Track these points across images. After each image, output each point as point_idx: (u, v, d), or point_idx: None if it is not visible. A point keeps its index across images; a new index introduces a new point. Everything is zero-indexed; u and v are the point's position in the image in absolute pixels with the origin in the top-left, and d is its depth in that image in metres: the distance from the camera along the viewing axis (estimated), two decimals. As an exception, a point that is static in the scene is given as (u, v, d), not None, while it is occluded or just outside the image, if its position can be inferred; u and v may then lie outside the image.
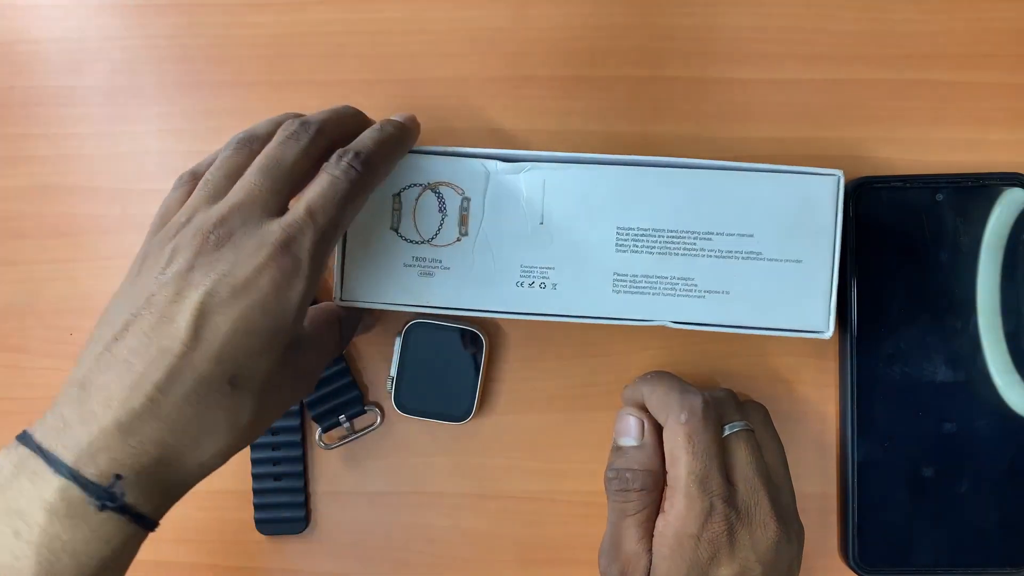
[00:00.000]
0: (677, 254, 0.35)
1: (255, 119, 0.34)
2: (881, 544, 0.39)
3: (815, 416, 0.41)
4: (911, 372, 0.39)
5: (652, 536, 0.33)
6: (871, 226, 0.39)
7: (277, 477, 0.42)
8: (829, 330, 0.35)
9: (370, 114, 0.36)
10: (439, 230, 0.36)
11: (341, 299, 0.36)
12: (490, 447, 0.42)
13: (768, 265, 0.35)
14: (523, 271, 0.36)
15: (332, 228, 0.30)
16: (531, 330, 0.42)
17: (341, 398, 0.41)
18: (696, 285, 0.35)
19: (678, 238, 0.35)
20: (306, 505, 0.42)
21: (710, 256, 0.35)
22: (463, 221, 0.36)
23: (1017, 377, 0.39)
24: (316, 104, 0.36)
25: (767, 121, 0.41)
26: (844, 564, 0.41)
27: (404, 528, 0.42)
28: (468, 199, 0.36)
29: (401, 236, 0.36)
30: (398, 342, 0.40)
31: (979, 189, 0.39)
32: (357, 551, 0.42)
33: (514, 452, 0.42)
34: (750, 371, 0.41)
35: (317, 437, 0.42)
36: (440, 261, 0.36)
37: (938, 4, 0.40)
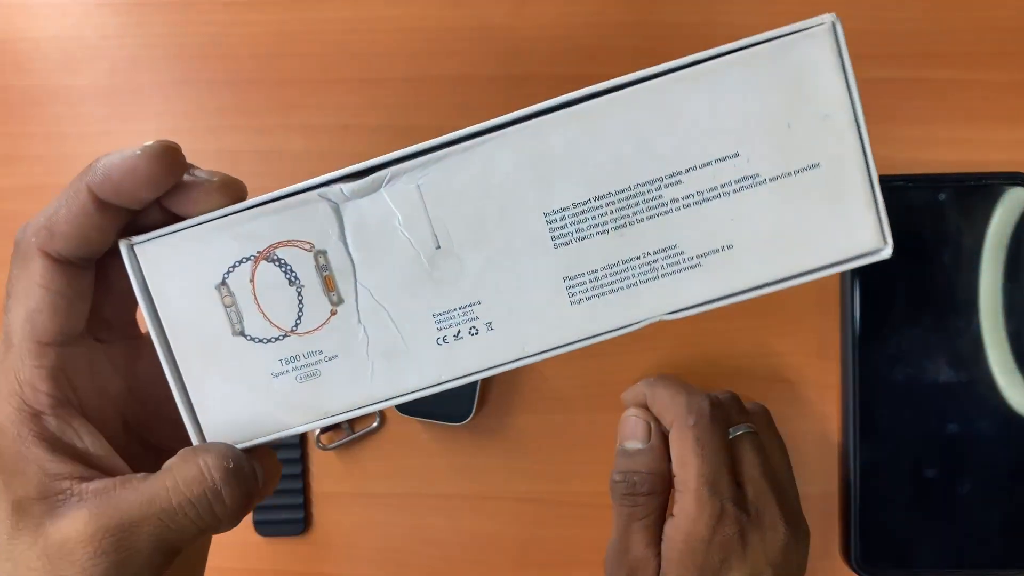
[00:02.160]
0: (641, 220, 0.24)
1: (254, 117, 0.38)
2: (883, 545, 0.40)
3: (817, 416, 0.41)
4: (913, 372, 0.39)
5: (660, 540, 0.33)
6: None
7: None
8: (888, 244, 0.24)
9: (370, 114, 0.39)
10: (300, 311, 0.24)
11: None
12: (490, 448, 0.42)
13: (773, 187, 0.24)
14: (440, 321, 0.24)
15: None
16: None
17: None
18: (683, 252, 0.24)
19: (634, 198, 0.24)
20: (305, 507, 0.42)
21: (688, 206, 0.24)
22: (328, 286, 0.24)
23: (1020, 377, 0.39)
24: (315, 101, 0.41)
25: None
26: (846, 565, 0.40)
27: (404, 530, 0.42)
28: (323, 252, 0.24)
29: (250, 338, 0.25)
30: None
31: (982, 189, 0.39)
32: (356, 553, 0.42)
33: (514, 453, 0.42)
34: (752, 371, 0.41)
35: (316, 438, 0.42)
36: (320, 352, 0.25)
37: (939, 2, 0.41)
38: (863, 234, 0.24)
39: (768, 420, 0.37)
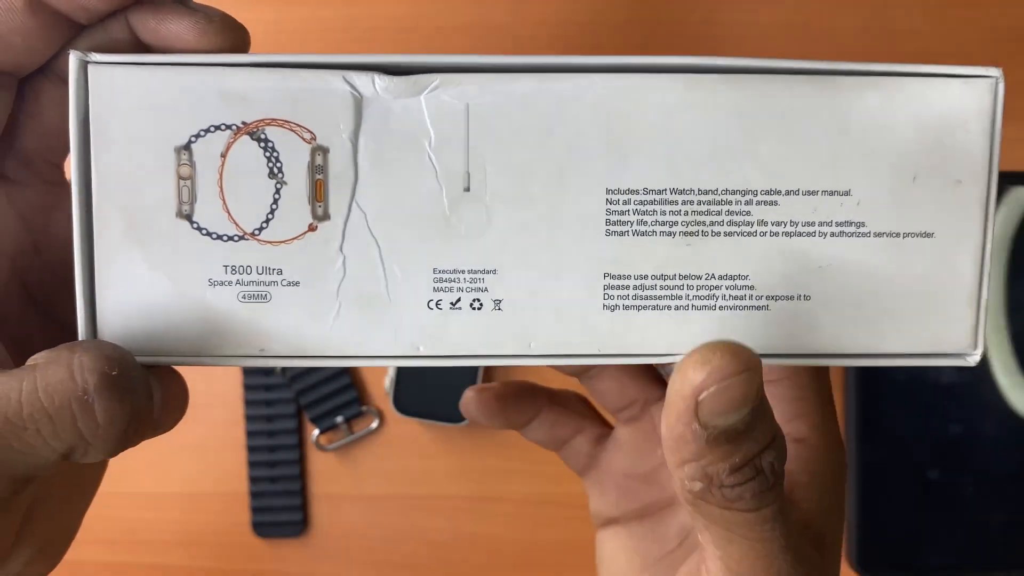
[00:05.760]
0: (717, 233, 0.19)
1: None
2: (885, 546, 0.39)
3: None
4: (915, 373, 0.39)
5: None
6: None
7: (274, 479, 0.41)
8: (978, 351, 0.20)
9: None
10: (271, 213, 0.19)
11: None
12: (490, 449, 0.41)
13: (875, 245, 0.20)
14: (439, 280, 0.19)
15: None
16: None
17: (338, 399, 0.41)
18: (752, 288, 0.20)
19: (718, 204, 0.19)
20: (304, 508, 0.41)
21: (776, 234, 0.19)
22: (317, 194, 0.19)
23: (1022, 378, 0.38)
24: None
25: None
26: (847, 566, 0.40)
27: (403, 531, 0.42)
28: (323, 150, 0.19)
29: (197, 227, 0.19)
30: None
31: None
32: (355, 554, 0.42)
33: (514, 454, 0.41)
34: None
35: (314, 439, 0.41)
36: (279, 272, 0.19)
37: (939, 3, 0.40)
38: (956, 331, 0.20)
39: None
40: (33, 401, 0.17)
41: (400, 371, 0.40)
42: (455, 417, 0.40)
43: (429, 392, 0.40)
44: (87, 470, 0.23)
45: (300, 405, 0.41)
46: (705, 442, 0.17)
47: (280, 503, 0.41)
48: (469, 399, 0.24)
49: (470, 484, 0.42)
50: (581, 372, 0.25)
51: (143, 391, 0.18)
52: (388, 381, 0.40)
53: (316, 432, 0.41)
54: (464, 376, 0.40)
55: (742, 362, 0.17)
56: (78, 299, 0.19)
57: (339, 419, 0.41)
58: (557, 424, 0.25)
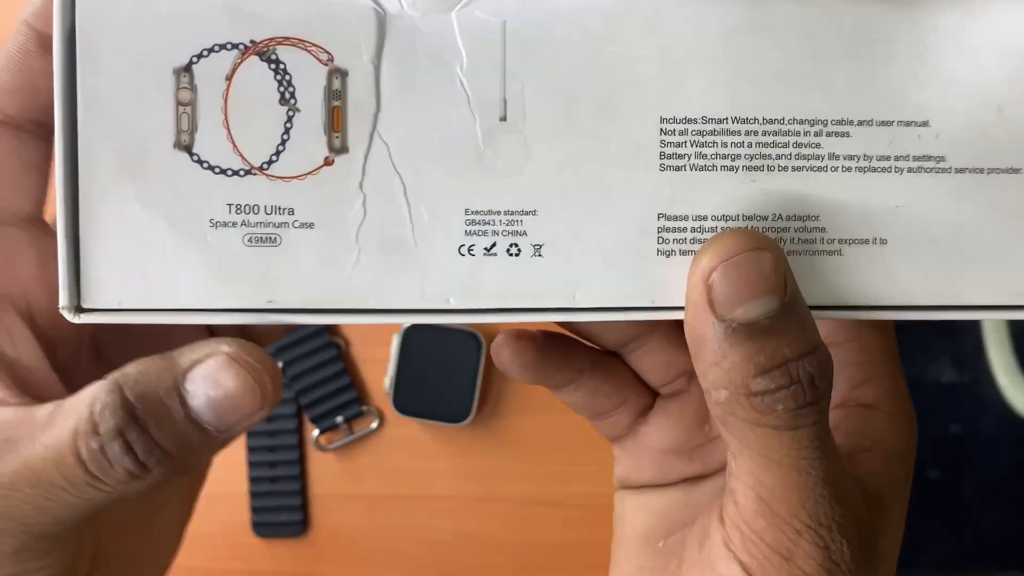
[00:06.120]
0: (784, 168, 0.17)
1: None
2: None
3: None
4: (916, 373, 0.38)
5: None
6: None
7: (274, 479, 0.41)
8: (1068, 301, 0.18)
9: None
10: (283, 144, 0.17)
11: (71, 307, 0.16)
12: (490, 449, 0.41)
13: (956, 181, 0.18)
14: (472, 223, 0.17)
15: None
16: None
17: (338, 399, 0.41)
18: (823, 230, 0.18)
19: (786, 136, 0.17)
20: (304, 508, 0.41)
21: (849, 169, 0.17)
22: (335, 123, 0.17)
23: (1022, 378, 0.38)
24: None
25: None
26: None
27: (402, 531, 0.42)
28: (342, 73, 0.17)
29: (198, 160, 0.17)
30: (396, 341, 0.39)
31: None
32: (355, 554, 0.42)
33: (514, 454, 0.41)
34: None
35: (314, 439, 0.41)
36: (291, 212, 0.17)
37: None
38: (1044, 280, 0.18)
39: None
40: (51, 460, 0.16)
41: (400, 370, 0.40)
42: (455, 417, 0.40)
43: (429, 392, 0.40)
44: (165, 513, 0.23)
45: (300, 405, 0.41)
46: (725, 338, 0.16)
47: (280, 503, 0.41)
48: (503, 345, 0.21)
49: (470, 484, 0.42)
50: (629, 340, 0.22)
51: (186, 418, 0.16)
52: (388, 381, 0.40)
53: (316, 432, 0.41)
54: (464, 375, 0.40)
55: (751, 240, 0.16)
56: (60, 244, 0.16)
57: (339, 419, 0.41)
58: (598, 393, 0.22)
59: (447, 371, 0.39)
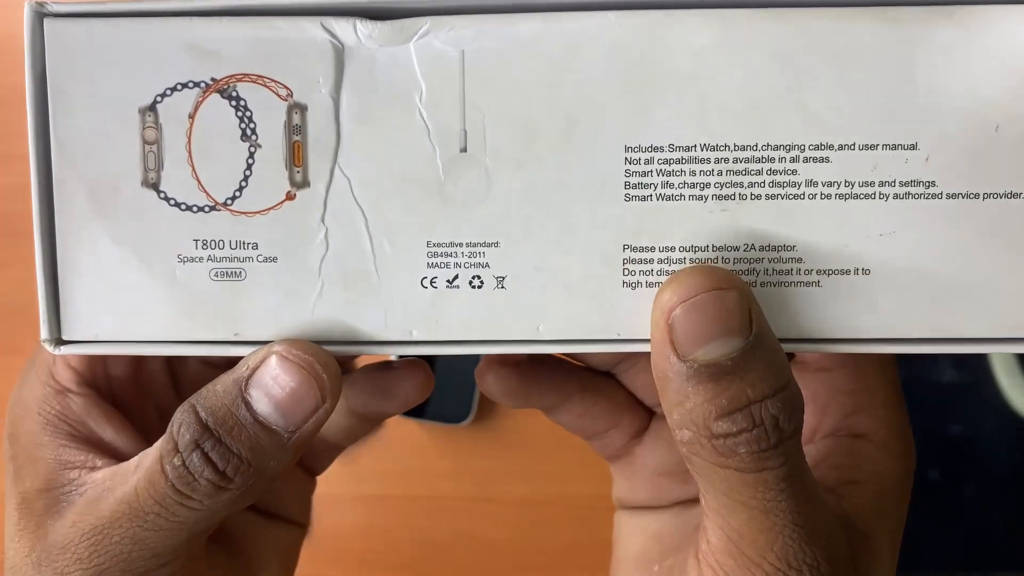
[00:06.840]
0: (757, 196, 0.17)
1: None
2: None
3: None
4: (917, 373, 0.38)
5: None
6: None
7: None
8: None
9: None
10: (245, 180, 0.17)
11: (52, 340, 0.17)
12: (490, 449, 0.41)
13: (948, 208, 0.17)
14: (434, 255, 0.17)
15: None
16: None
17: None
18: (800, 261, 0.17)
19: (759, 162, 0.16)
20: None
21: (828, 196, 0.17)
22: (295, 158, 0.17)
23: (1022, 378, 0.38)
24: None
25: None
26: None
27: (402, 532, 0.41)
28: (301, 107, 0.17)
29: (164, 197, 0.17)
30: None
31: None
32: (355, 554, 0.41)
33: (515, 455, 0.41)
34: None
35: None
36: (254, 246, 0.17)
37: None
38: (1046, 312, 0.17)
39: None
40: (143, 492, 0.17)
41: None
42: (455, 417, 0.39)
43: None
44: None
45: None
46: (687, 379, 0.15)
47: (280, 504, 0.41)
48: (486, 370, 0.21)
49: (470, 484, 0.41)
50: (620, 360, 0.22)
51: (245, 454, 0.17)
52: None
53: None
54: (466, 374, 0.39)
55: (713, 279, 0.15)
56: (39, 280, 0.17)
57: (338, 418, 0.41)
58: (588, 415, 0.22)
59: (447, 370, 0.39)
